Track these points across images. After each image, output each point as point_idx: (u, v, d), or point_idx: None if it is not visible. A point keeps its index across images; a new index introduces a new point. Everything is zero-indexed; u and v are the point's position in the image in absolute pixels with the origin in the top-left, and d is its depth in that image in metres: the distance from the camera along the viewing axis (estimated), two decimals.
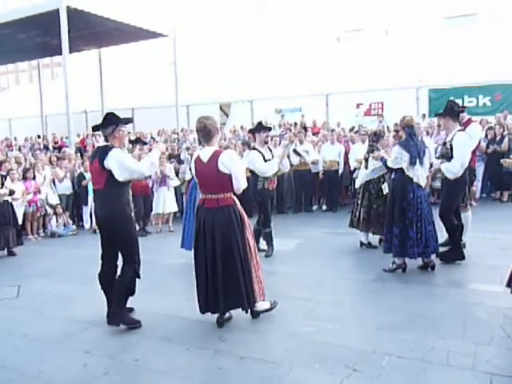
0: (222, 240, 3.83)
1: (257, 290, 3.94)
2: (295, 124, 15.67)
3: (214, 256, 3.84)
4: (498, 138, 9.72)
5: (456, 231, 5.38)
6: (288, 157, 7.35)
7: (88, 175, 8.98)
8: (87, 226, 9.78)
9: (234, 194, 3.95)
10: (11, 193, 7.80)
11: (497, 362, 3.12)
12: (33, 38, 17.35)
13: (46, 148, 16.21)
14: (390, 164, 5.23)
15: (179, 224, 7.33)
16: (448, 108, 5.41)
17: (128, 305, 4.28)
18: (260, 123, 6.39)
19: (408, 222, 4.99)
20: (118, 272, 4.13)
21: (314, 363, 3.25)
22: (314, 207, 10.29)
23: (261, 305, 4.03)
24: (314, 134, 12.72)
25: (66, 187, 9.94)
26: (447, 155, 5.29)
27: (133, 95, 21.75)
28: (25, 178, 9.04)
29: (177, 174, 9.65)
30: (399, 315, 3.98)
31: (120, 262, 4.13)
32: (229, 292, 3.83)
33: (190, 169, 4.25)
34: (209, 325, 3.98)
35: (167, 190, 9.05)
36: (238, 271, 3.83)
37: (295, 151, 9.65)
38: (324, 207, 10.16)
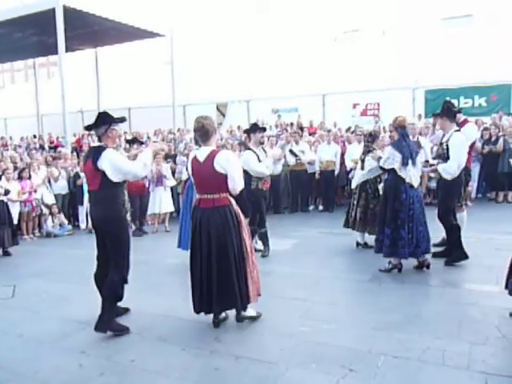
0: (218, 240, 3.82)
1: (251, 291, 3.92)
2: (291, 124, 15.68)
3: (210, 257, 3.83)
4: (494, 138, 9.77)
5: (455, 231, 5.39)
6: (284, 157, 7.35)
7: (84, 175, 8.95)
8: (83, 225, 9.75)
9: (231, 194, 3.93)
10: (6, 192, 7.79)
11: (492, 362, 3.13)
12: (29, 37, 17.25)
13: (42, 148, 16.12)
14: (381, 164, 5.25)
15: (176, 224, 7.32)
16: (445, 108, 5.44)
17: (124, 305, 4.28)
18: (255, 124, 6.39)
19: (400, 223, 5.02)
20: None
21: (310, 363, 3.26)
22: (311, 207, 10.31)
23: (248, 311, 4.02)
24: (310, 134, 12.74)
25: (62, 187, 9.90)
26: (443, 156, 5.32)
27: (129, 95, 21.67)
28: (20, 178, 9.01)
29: (173, 173, 9.63)
30: (395, 315, 3.99)
31: None
32: (223, 293, 3.81)
33: (187, 168, 4.23)
34: (205, 325, 3.98)
35: (164, 189, 9.01)
36: (233, 272, 3.81)
37: (291, 151, 9.66)
38: (320, 207, 10.17)
